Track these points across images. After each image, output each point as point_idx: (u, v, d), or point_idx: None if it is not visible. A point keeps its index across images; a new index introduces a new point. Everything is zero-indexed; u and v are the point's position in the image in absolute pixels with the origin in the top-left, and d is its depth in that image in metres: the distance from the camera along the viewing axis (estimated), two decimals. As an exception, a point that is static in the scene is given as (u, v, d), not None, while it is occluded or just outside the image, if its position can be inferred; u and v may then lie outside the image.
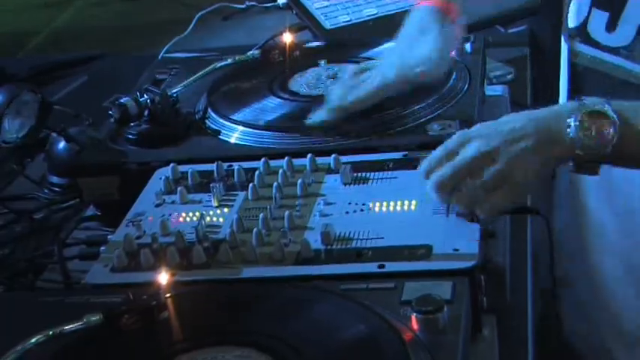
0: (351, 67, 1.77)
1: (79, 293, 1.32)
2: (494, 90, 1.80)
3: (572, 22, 1.63)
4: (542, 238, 1.48)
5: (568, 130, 1.28)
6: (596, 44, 1.59)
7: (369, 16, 2.12)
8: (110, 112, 1.71)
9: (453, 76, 1.72)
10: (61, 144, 1.60)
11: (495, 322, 1.30)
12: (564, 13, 1.65)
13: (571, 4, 1.63)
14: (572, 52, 1.64)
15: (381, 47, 1.80)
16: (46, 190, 1.62)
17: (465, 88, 1.71)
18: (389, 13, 2.15)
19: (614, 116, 1.27)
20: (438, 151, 1.36)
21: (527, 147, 1.30)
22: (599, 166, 1.32)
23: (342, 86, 1.67)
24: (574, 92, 1.64)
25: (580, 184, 1.69)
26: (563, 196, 1.52)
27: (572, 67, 1.65)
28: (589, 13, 1.59)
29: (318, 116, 1.62)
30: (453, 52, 1.70)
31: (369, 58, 1.81)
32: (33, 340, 1.13)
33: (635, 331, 1.70)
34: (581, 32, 1.61)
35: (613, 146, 1.28)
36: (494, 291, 1.31)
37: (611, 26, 1.56)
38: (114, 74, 2.05)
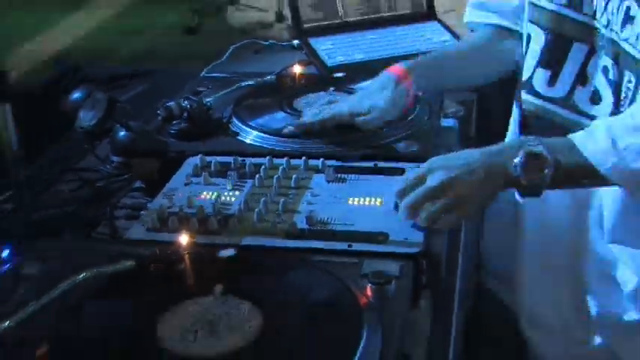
0: (324, 95, 1.78)
1: (122, 244, 1.31)
2: (447, 122, 1.75)
3: (523, 77, 1.60)
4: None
5: (513, 167, 1.26)
6: (538, 95, 1.56)
7: (359, 59, 2.07)
8: (158, 112, 1.70)
9: (418, 109, 1.68)
10: (122, 132, 1.58)
11: (430, 295, 1.25)
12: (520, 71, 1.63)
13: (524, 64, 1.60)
14: (521, 100, 1.61)
15: (355, 86, 1.78)
16: (107, 166, 1.59)
17: (426, 118, 1.69)
18: (375, 58, 2.11)
19: (549, 157, 1.25)
20: (411, 178, 1.32)
21: (479, 179, 1.27)
22: (541, 191, 1.28)
23: (313, 109, 1.67)
24: (522, 130, 1.63)
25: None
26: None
27: (521, 110, 1.62)
28: (534, 71, 1.56)
29: (289, 127, 1.61)
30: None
31: (346, 91, 1.79)
32: (80, 277, 1.12)
33: (549, 320, 1.66)
34: (528, 85, 1.58)
35: (550, 180, 1.26)
36: (432, 272, 1.27)
37: (551, 82, 1.53)
38: (167, 85, 2.03)
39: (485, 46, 1.71)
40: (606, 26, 1.40)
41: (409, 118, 1.65)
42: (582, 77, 1.47)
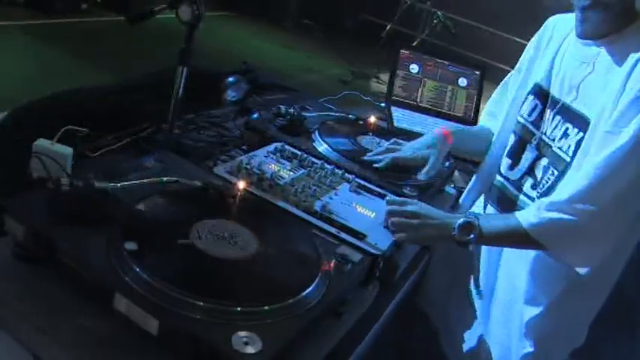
0: (384, 142, 1.72)
1: (210, 174, 1.32)
2: (450, 190, 1.72)
3: (495, 162, 1.59)
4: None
5: (454, 230, 1.26)
6: (502, 174, 1.54)
7: (416, 130, 2.00)
8: (273, 109, 1.70)
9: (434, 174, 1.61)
10: (254, 115, 1.61)
11: (379, 284, 1.24)
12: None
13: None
14: (492, 177, 1.59)
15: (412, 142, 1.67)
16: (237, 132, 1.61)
17: (437, 182, 1.64)
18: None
19: (478, 226, 1.26)
20: (399, 200, 1.34)
21: (432, 233, 1.29)
22: (468, 246, 1.28)
23: (380, 148, 1.64)
24: (489, 197, 1.61)
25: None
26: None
27: (491, 184, 1.59)
28: (503, 158, 1.55)
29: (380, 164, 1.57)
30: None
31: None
32: (164, 179, 1.13)
33: (455, 322, 1.60)
34: (498, 167, 1.56)
35: (475, 241, 1.27)
36: (386, 272, 1.24)
37: (512, 167, 1.51)
38: (301, 97, 2.03)
39: (484, 135, 1.66)
40: (552, 140, 1.40)
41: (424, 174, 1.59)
42: (530, 170, 1.45)
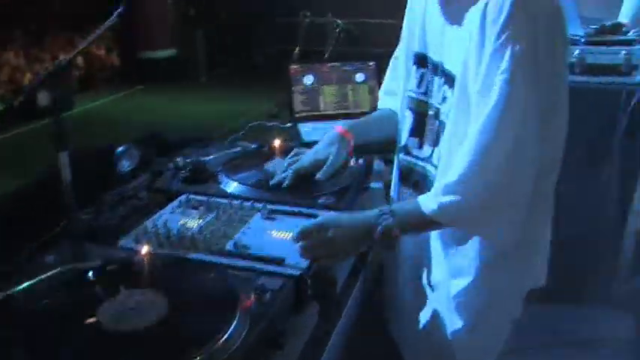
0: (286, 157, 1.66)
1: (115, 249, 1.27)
2: (375, 184, 1.68)
3: (401, 142, 1.54)
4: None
5: (375, 233, 1.24)
6: (411, 154, 1.49)
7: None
8: (170, 165, 1.67)
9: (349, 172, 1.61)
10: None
11: (319, 305, 1.18)
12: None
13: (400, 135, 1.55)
14: (399, 159, 1.55)
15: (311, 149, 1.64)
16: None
17: (354, 183, 1.60)
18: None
19: (397, 226, 1.24)
20: (309, 227, 1.25)
21: (353, 239, 1.26)
22: (393, 248, 1.32)
23: (282, 167, 1.60)
24: (400, 179, 1.55)
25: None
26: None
27: (400, 166, 1.54)
28: (408, 139, 1.50)
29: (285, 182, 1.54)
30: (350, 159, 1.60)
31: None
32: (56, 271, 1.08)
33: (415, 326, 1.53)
34: (405, 148, 1.51)
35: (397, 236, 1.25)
36: (323, 290, 1.19)
37: (420, 146, 1.46)
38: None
39: (387, 117, 1.62)
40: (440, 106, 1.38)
41: (340, 179, 1.57)
42: (438, 143, 1.38)
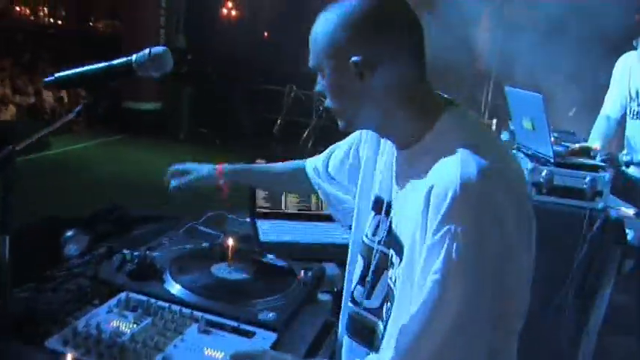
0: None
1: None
2: (323, 296, 1.64)
3: (350, 287, 1.47)
4: None
5: None
6: (359, 305, 1.40)
7: (285, 240, 2.02)
8: (117, 256, 1.65)
9: (295, 283, 1.61)
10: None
11: None
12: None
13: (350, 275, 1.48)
14: (347, 307, 1.46)
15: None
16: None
17: (301, 294, 1.60)
18: (297, 241, 2.04)
19: None
20: (239, 354, 1.23)
21: None
22: None
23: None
24: (348, 329, 1.45)
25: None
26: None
27: (347, 314, 1.46)
28: (355, 288, 1.43)
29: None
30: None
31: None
32: None
33: None
34: (352, 297, 1.44)
35: None
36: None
37: (367, 297, 1.37)
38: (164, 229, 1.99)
39: (292, 174, 1.79)
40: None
41: (285, 291, 1.57)
42: (388, 297, 1.27)
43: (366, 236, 1.40)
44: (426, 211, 1.07)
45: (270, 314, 1.45)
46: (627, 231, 2.74)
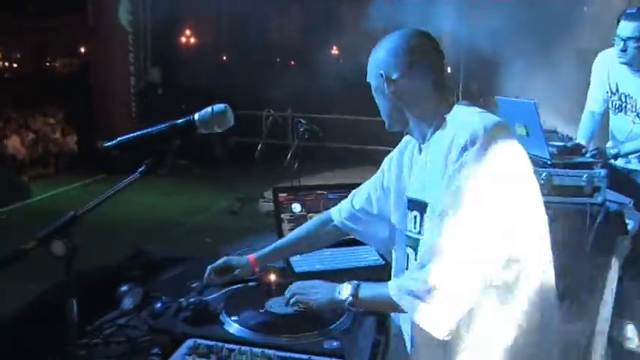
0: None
1: None
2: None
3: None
4: None
5: (337, 293, 1.62)
6: None
7: (318, 269, 2.12)
8: (173, 305, 1.71)
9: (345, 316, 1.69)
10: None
11: None
12: None
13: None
14: None
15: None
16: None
17: (350, 322, 1.69)
18: (329, 269, 2.14)
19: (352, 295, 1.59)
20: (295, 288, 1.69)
21: (321, 299, 1.65)
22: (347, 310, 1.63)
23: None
24: None
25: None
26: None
27: None
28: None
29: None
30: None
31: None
32: None
33: None
34: None
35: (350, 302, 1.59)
36: None
37: None
38: (197, 270, 2.02)
39: (319, 230, 1.98)
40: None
41: (340, 318, 1.66)
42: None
43: (410, 231, 1.67)
44: (449, 153, 1.46)
45: (334, 343, 1.54)
46: (627, 221, 2.90)
